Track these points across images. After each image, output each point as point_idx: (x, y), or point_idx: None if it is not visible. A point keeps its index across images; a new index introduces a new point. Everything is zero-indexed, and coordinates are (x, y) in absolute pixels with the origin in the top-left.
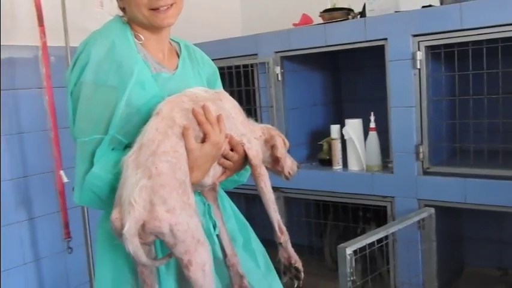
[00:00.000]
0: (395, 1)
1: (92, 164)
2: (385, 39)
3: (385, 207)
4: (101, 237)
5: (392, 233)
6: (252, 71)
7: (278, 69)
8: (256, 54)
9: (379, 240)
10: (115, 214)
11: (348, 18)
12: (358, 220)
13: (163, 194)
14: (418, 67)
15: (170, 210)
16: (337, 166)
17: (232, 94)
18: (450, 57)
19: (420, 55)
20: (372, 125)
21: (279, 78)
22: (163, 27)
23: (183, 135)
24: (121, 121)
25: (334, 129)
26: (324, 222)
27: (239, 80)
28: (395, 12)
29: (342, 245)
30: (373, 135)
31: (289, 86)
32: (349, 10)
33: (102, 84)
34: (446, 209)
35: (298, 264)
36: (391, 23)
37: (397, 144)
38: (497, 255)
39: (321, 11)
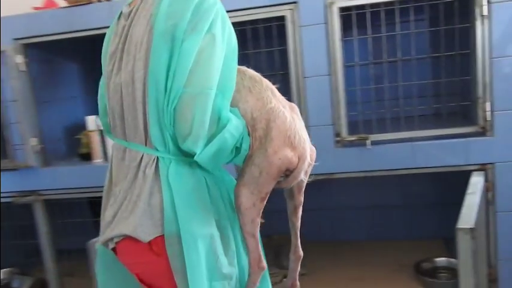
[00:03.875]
0: None
1: (216, 117)
2: None
3: None
4: (196, 191)
5: None
6: None
7: (21, 59)
8: None
9: None
10: (291, 152)
11: (92, 2)
12: None
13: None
14: None
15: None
16: (98, 159)
17: None
18: None
19: None
20: None
21: (23, 69)
22: None
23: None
24: None
25: (90, 120)
26: (94, 220)
27: None
28: None
29: (93, 240)
30: None
31: (38, 77)
32: None
33: (224, 41)
34: None
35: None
36: None
37: None
38: (266, 224)
39: None
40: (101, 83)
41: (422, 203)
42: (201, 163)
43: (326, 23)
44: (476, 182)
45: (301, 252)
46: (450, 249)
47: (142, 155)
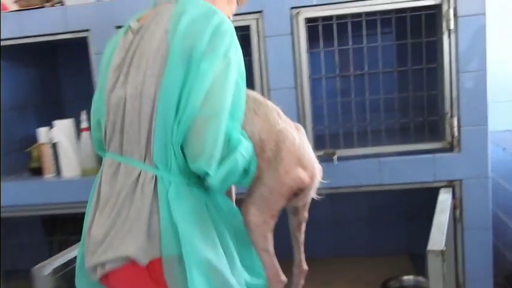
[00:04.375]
0: None
1: (226, 139)
2: (88, 30)
3: None
4: (198, 214)
5: None
6: None
7: None
8: None
9: None
10: (303, 172)
11: (44, 6)
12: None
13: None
14: None
15: None
16: (50, 174)
17: None
18: None
19: None
20: (84, 125)
21: None
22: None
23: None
24: None
25: (42, 132)
26: (48, 240)
27: None
28: (97, 1)
29: (39, 265)
30: (86, 136)
31: None
32: None
33: (236, 64)
34: None
35: None
36: (93, 13)
37: None
38: None
39: None
40: (95, 97)
41: (388, 218)
42: (212, 185)
43: (292, 33)
44: (445, 199)
45: (306, 267)
46: (417, 266)
47: (140, 172)
